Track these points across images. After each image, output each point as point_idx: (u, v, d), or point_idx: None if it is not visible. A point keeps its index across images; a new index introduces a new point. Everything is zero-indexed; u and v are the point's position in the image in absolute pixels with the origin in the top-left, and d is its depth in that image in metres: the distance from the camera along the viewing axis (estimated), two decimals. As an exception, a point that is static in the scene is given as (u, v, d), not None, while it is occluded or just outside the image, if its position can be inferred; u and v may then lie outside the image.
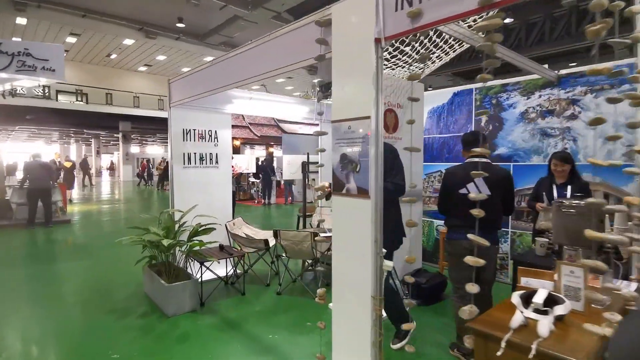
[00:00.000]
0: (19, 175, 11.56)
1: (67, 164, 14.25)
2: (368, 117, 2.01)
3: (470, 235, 1.70)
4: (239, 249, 4.52)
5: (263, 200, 11.57)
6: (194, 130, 4.66)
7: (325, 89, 3.63)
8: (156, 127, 25.09)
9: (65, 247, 6.81)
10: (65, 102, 20.89)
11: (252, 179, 12.42)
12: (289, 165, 5.62)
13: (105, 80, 23.59)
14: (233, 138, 14.35)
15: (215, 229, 4.09)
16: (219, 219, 4.48)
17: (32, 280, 4.82)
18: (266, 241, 4.33)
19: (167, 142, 28.33)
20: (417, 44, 3.50)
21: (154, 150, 37.91)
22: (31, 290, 4.47)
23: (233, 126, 14.99)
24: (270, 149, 15.86)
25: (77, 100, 21.27)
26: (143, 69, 25.60)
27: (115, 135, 25.16)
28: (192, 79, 4.15)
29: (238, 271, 4.60)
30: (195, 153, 4.68)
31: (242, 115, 15.00)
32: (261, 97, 5.04)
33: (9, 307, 3.90)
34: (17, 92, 18.73)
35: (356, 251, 2.10)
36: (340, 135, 2.19)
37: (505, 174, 2.89)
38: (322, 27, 2.31)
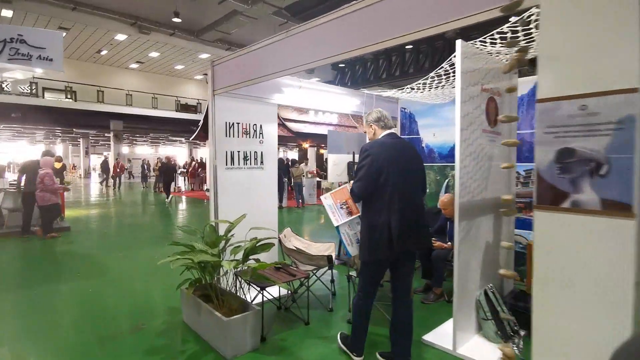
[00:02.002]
0: (10, 177, 10.39)
1: (57, 165, 13.03)
2: (634, 90, 1.26)
3: None
4: (295, 266, 3.71)
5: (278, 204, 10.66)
6: (238, 124, 3.82)
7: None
8: (150, 127, 23.84)
9: (70, 260, 5.84)
10: (53, 99, 19.50)
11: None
12: (334, 167, 4.82)
13: (94, 78, 22.19)
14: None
15: (274, 244, 3.28)
16: (264, 225, 3.67)
17: (30, 306, 3.87)
18: (329, 258, 3.54)
19: (159, 143, 27.01)
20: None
21: (144, 151, 36.37)
22: (29, 321, 3.53)
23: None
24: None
25: (66, 97, 19.88)
26: (135, 66, 24.31)
27: (106, 134, 23.78)
28: (243, 61, 3.32)
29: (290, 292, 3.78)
30: (239, 151, 3.84)
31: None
32: (311, 85, 4.23)
33: None
34: (2, 88, 17.35)
35: (594, 299, 1.34)
36: (560, 121, 1.42)
37: None
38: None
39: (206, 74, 26.30)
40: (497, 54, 3.02)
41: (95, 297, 4.12)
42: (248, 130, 3.91)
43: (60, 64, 6.94)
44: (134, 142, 31.96)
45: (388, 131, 2.61)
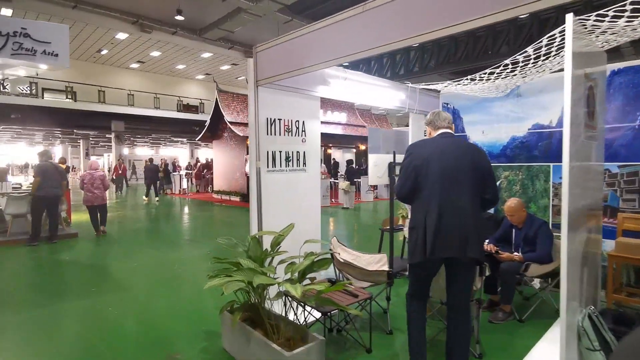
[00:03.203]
0: (13, 179, 9.78)
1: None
2: None
3: None
4: (349, 282, 3.20)
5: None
6: (279, 120, 3.31)
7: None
8: (151, 127, 23.20)
9: (81, 271, 5.31)
10: (53, 99, 18.84)
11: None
12: (375, 168, 4.32)
13: (94, 78, 21.51)
14: (247, 137, 12.88)
15: (331, 260, 2.78)
16: (307, 236, 3.18)
17: (38, 329, 3.35)
18: (389, 274, 3.05)
19: (160, 144, 26.39)
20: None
21: (144, 152, 35.61)
22: (37, 348, 3.02)
23: (246, 124, 13.48)
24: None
25: (66, 98, 19.22)
26: (135, 66, 23.64)
27: (107, 135, 23.11)
28: (291, 47, 2.82)
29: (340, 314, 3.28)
30: (280, 152, 3.34)
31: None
32: (357, 77, 3.73)
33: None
34: (1, 89, 16.70)
35: None
36: None
37: None
38: None
39: (209, 74, 25.73)
40: (603, 33, 2.53)
41: (116, 317, 3.60)
42: (290, 127, 3.40)
43: (66, 59, 6.39)
44: (135, 143, 31.26)
45: (441, 131, 2.50)
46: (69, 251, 6.29)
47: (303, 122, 3.49)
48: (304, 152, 3.53)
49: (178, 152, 33.97)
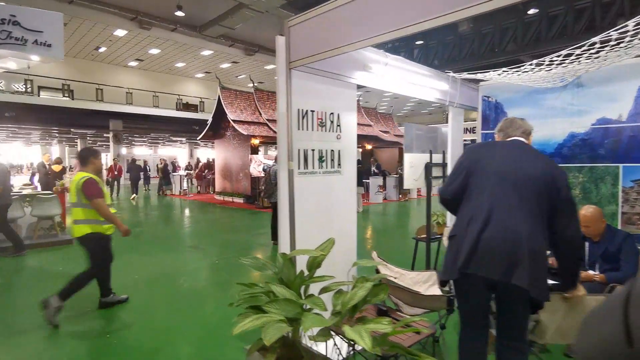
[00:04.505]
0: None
1: (57, 168, 11.80)
2: None
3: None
4: (397, 307, 2.62)
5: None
6: (312, 112, 2.73)
7: None
8: (150, 127, 22.52)
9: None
10: (49, 98, 18.13)
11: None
12: (411, 169, 3.74)
13: (91, 76, 20.80)
14: (251, 136, 12.29)
15: (387, 286, 2.19)
16: (341, 251, 2.62)
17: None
18: (449, 300, 2.47)
19: (158, 143, 25.91)
20: None
21: (142, 152, 34.84)
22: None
23: (250, 123, 12.90)
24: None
25: (63, 96, 18.52)
26: (134, 64, 22.93)
27: (105, 135, 22.41)
28: (332, 20, 2.24)
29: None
30: (313, 150, 2.75)
31: (259, 110, 12.90)
32: (398, 63, 3.15)
33: None
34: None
35: None
36: None
37: None
38: None
39: (209, 72, 25.05)
40: None
41: (118, 347, 3.00)
42: (324, 121, 2.81)
43: (60, 50, 5.75)
44: (133, 142, 30.55)
45: (512, 139, 2.13)
46: (65, 261, 5.66)
47: (338, 115, 2.91)
48: (339, 151, 2.94)
49: (177, 152, 33.27)
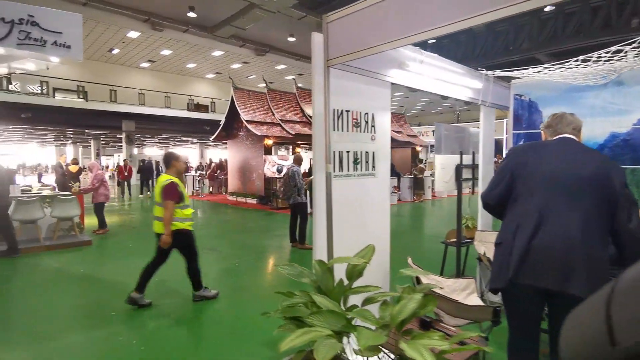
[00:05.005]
0: (24, 180, 9.16)
1: (74, 168, 11.86)
2: None
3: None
4: (439, 319, 2.49)
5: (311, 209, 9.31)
6: (347, 112, 2.61)
7: None
8: (161, 127, 22.67)
9: (98, 288, 4.64)
10: (64, 99, 18.33)
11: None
12: (442, 171, 3.60)
13: (105, 78, 20.97)
14: (265, 137, 12.21)
15: (435, 296, 2.07)
16: (375, 257, 2.48)
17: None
18: (495, 311, 2.33)
19: (170, 143, 26.19)
20: None
21: (153, 152, 35.10)
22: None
23: (263, 123, 12.82)
24: (298, 149, 13.75)
25: (78, 97, 18.69)
26: (146, 65, 23.07)
27: (118, 135, 22.59)
28: (376, 14, 2.11)
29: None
30: (348, 152, 2.63)
31: (272, 110, 12.82)
32: (434, 61, 3.01)
33: None
34: (10, 88, 16.18)
35: None
36: None
37: None
38: None
39: (219, 73, 25.07)
40: None
41: (145, 352, 2.92)
42: (359, 121, 2.69)
43: (79, 51, 5.72)
44: (144, 143, 30.79)
45: (559, 137, 1.98)
46: (85, 263, 5.63)
47: (373, 115, 2.78)
48: (373, 153, 2.81)
49: (188, 152, 33.44)
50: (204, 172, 18.65)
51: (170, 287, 4.45)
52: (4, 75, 7.52)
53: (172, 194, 3.71)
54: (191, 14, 15.71)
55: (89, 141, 26.33)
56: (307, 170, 13.54)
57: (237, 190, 13.88)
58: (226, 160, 15.94)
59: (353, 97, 2.62)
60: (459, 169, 3.77)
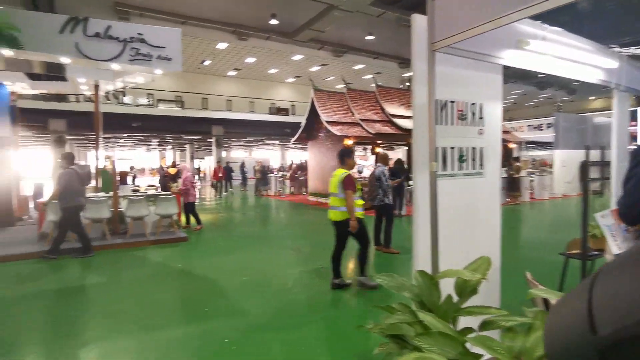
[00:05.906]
0: (136, 181, 10.39)
1: (172, 171, 13.15)
2: None
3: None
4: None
5: (397, 211, 9.04)
6: (452, 103, 2.29)
7: None
8: (246, 131, 24.13)
9: (193, 285, 4.94)
10: (166, 108, 20.61)
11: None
12: (562, 169, 3.02)
13: (197, 87, 23.13)
14: (344, 137, 12.13)
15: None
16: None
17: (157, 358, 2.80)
18: None
19: (253, 146, 27.67)
20: None
21: (238, 154, 37.58)
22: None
23: (343, 123, 12.75)
24: (377, 149, 13.36)
25: (176, 106, 20.86)
26: (232, 73, 24.78)
27: (208, 140, 24.65)
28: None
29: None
30: (452, 148, 2.31)
31: (351, 110, 12.69)
32: (558, 37, 2.52)
33: None
34: (121, 100, 18.56)
35: None
36: None
37: None
38: None
39: (298, 76, 25.87)
40: None
41: (236, 352, 2.94)
42: (465, 112, 2.35)
43: (179, 62, 6.22)
44: (231, 146, 33.11)
45: None
46: (183, 259, 6.08)
47: (481, 105, 2.41)
48: (481, 149, 2.44)
49: (270, 155, 35.07)
50: (285, 173, 19.29)
51: (274, 287, 4.53)
52: (119, 90, 8.47)
53: (352, 184, 4.09)
54: (273, 21, 16.35)
55: (185, 145, 29.17)
56: (358, 171, 12.97)
57: (317, 190, 14.02)
58: (306, 161, 16.24)
59: (459, 86, 2.29)
60: (584, 166, 3.14)
